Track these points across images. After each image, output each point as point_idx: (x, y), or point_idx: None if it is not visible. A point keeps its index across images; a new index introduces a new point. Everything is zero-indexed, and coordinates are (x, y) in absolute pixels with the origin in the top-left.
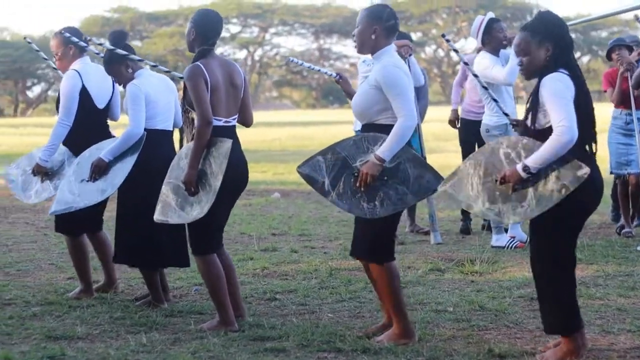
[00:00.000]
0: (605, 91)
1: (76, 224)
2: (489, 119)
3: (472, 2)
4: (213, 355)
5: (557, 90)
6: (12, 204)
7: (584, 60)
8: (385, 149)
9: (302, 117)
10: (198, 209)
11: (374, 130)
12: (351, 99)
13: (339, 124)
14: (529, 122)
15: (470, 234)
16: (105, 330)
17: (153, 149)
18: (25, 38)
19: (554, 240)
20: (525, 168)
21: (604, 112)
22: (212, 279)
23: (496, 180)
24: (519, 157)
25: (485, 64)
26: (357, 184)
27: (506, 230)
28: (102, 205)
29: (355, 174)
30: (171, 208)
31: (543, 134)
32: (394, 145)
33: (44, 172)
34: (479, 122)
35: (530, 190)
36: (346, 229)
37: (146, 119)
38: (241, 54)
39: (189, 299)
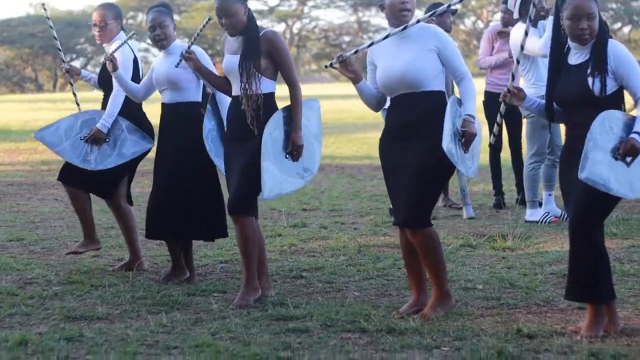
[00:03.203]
0: None
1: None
2: (527, 90)
3: None
4: (234, 336)
5: (631, 55)
6: (43, 180)
7: (625, 30)
8: (472, 107)
9: (340, 90)
10: (312, 166)
11: (427, 97)
12: (355, 82)
13: None
14: (596, 90)
15: (504, 209)
16: (125, 310)
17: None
18: (43, 4)
19: (607, 207)
20: None
21: None
22: (253, 242)
23: (617, 158)
24: (619, 129)
25: (521, 34)
26: (466, 146)
27: (540, 205)
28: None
29: (459, 138)
30: (279, 180)
31: (610, 100)
32: (475, 102)
33: (103, 139)
34: None
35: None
36: (377, 204)
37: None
38: (279, 27)
39: (214, 276)
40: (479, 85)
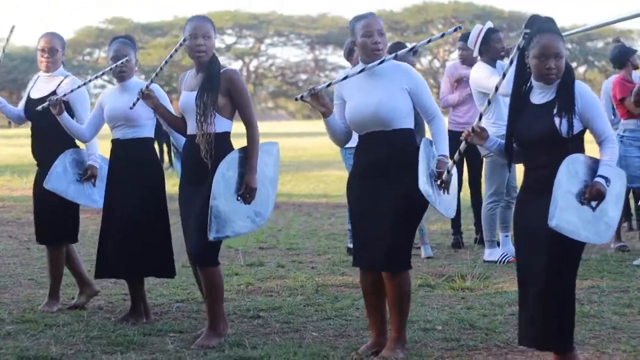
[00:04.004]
0: (622, 99)
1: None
2: (488, 129)
3: (468, 13)
4: None
5: (597, 97)
6: None
7: (580, 70)
8: (445, 148)
9: (297, 127)
10: (265, 211)
11: (398, 135)
12: (326, 116)
13: None
14: (564, 131)
15: (462, 248)
16: (80, 350)
17: None
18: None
19: (578, 254)
20: (608, 181)
21: None
22: (221, 289)
23: (583, 203)
24: (584, 173)
25: (481, 74)
26: (442, 186)
27: (498, 244)
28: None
29: (435, 179)
30: (228, 221)
31: (573, 142)
32: (447, 142)
33: (96, 176)
34: None
35: (603, 203)
36: (335, 242)
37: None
38: (236, 65)
39: (170, 316)
40: None
